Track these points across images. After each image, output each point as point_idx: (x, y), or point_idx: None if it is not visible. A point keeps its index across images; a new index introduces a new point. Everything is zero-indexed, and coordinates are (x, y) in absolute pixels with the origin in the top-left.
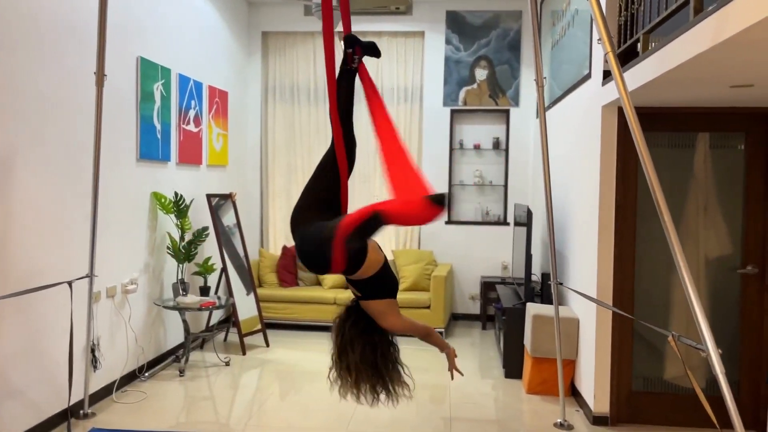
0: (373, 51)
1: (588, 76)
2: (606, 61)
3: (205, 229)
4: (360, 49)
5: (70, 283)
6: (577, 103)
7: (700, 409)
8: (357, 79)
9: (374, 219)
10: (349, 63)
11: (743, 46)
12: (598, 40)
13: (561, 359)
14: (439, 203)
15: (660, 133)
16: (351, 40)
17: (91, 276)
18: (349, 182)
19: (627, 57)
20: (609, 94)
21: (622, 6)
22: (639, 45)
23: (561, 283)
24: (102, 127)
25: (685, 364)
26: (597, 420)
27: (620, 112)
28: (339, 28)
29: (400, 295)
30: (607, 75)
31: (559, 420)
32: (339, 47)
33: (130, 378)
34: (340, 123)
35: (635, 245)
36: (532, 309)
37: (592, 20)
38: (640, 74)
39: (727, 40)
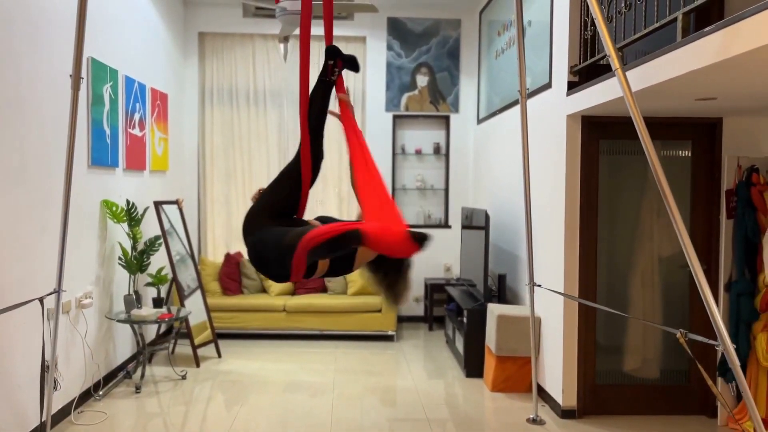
0: (353, 65)
1: (548, 86)
2: (572, 74)
3: (158, 238)
4: (341, 62)
5: (41, 300)
6: (534, 113)
7: (659, 397)
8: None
9: (351, 236)
10: (328, 75)
11: (733, 67)
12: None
13: (535, 357)
14: (420, 242)
15: (619, 141)
16: (332, 52)
17: (59, 291)
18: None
19: (590, 70)
20: (574, 104)
21: (589, 21)
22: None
23: (539, 285)
24: (55, 133)
25: (696, 361)
26: (565, 413)
27: (584, 120)
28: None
29: (350, 300)
30: (572, 86)
31: (531, 416)
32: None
33: (85, 397)
34: (309, 134)
35: (597, 245)
36: (495, 310)
37: (552, 32)
38: (610, 88)
39: (724, 61)
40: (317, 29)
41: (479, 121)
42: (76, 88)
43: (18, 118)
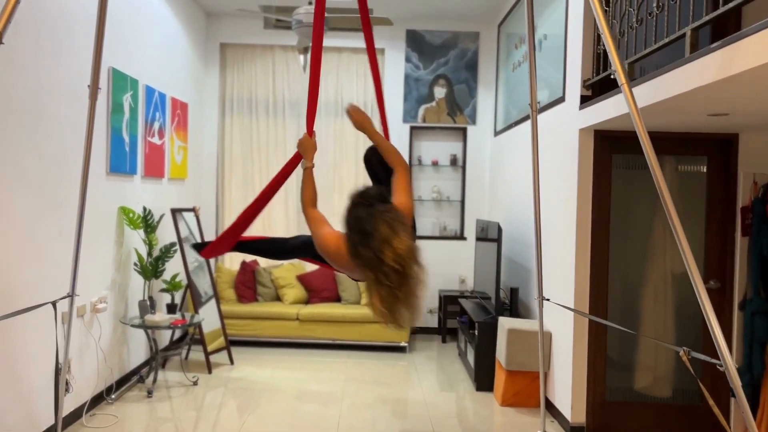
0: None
1: (561, 100)
2: (585, 88)
3: (173, 244)
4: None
5: (54, 304)
6: (546, 125)
7: (671, 417)
8: None
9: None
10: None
11: (740, 84)
12: (613, 71)
13: (543, 372)
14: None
15: (633, 156)
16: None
17: (72, 295)
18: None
19: (603, 84)
20: (587, 118)
21: (601, 35)
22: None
23: (548, 299)
24: (74, 140)
25: (698, 380)
26: (574, 430)
27: (596, 134)
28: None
29: (363, 310)
30: (584, 100)
31: (539, 431)
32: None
33: (98, 400)
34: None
35: (609, 261)
36: (506, 323)
37: (566, 46)
38: (623, 102)
39: (728, 78)
40: (334, 41)
41: (496, 133)
42: (93, 98)
43: (38, 124)
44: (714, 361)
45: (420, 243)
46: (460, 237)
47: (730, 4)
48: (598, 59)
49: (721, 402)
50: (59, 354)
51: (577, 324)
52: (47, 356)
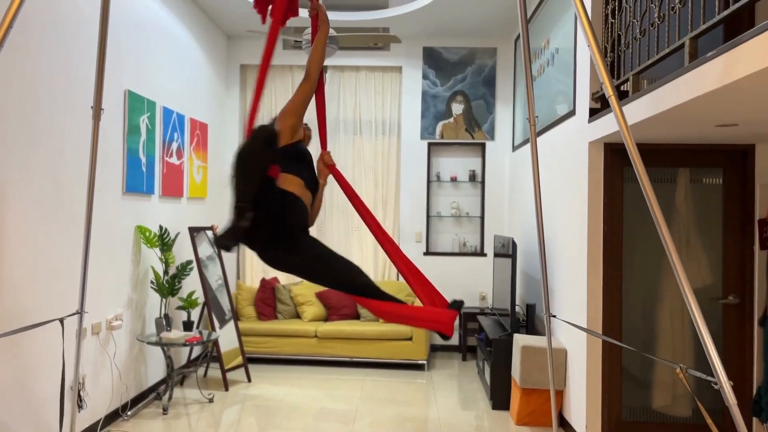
0: None
1: (572, 113)
2: (594, 100)
3: (189, 262)
4: None
5: (61, 321)
6: (560, 139)
7: None
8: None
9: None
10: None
11: (739, 91)
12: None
13: (554, 390)
14: (458, 308)
15: (645, 169)
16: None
17: (81, 312)
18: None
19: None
20: (596, 131)
21: (608, 47)
22: (628, 85)
23: (554, 316)
24: (88, 160)
25: (696, 398)
26: None
27: (606, 148)
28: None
29: (381, 327)
30: (593, 113)
31: None
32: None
33: (113, 417)
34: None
35: (622, 276)
36: (520, 340)
37: (575, 59)
38: (630, 113)
39: (725, 86)
40: (351, 59)
41: (514, 148)
42: (96, 118)
43: (55, 144)
44: (709, 378)
45: (439, 259)
46: (480, 253)
47: (724, 13)
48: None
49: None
50: (65, 370)
51: (591, 341)
52: (59, 372)
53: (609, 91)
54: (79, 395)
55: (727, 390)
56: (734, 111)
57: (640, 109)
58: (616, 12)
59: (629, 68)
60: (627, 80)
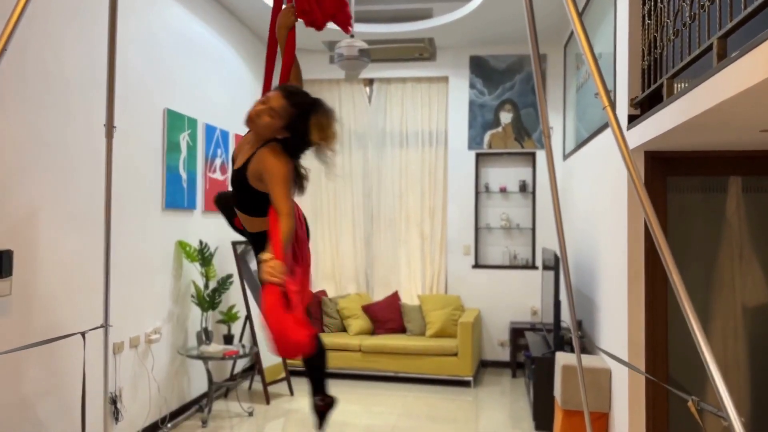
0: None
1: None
2: (632, 106)
3: (229, 276)
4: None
5: (83, 334)
6: (601, 148)
7: None
8: None
9: None
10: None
11: (759, 95)
12: (596, 94)
13: (588, 413)
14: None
15: (690, 178)
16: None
17: (106, 326)
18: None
19: (652, 101)
20: (635, 138)
21: (645, 51)
22: (663, 89)
23: (582, 337)
24: (128, 178)
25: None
26: None
27: (647, 156)
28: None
29: (426, 342)
30: (632, 120)
31: None
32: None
33: (152, 429)
34: None
35: (668, 295)
36: (562, 359)
37: (615, 64)
38: (665, 119)
39: (753, 87)
40: (397, 71)
41: (565, 156)
42: (109, 136)
43: (91, 163)
44: (719, 414)
45: (489, 272)
46: (531, 266)
47: (749, 9)
48: (644, 75)
49: None
50: (86, 382)
51: (632, 359)
52: (96, 385)
53: (604, 101)
54: (115, 407)
55: (737, 427)
56: None
57: (675, 115)
58: (652, 12)
59: (665, 72)
60: (662, 85)
